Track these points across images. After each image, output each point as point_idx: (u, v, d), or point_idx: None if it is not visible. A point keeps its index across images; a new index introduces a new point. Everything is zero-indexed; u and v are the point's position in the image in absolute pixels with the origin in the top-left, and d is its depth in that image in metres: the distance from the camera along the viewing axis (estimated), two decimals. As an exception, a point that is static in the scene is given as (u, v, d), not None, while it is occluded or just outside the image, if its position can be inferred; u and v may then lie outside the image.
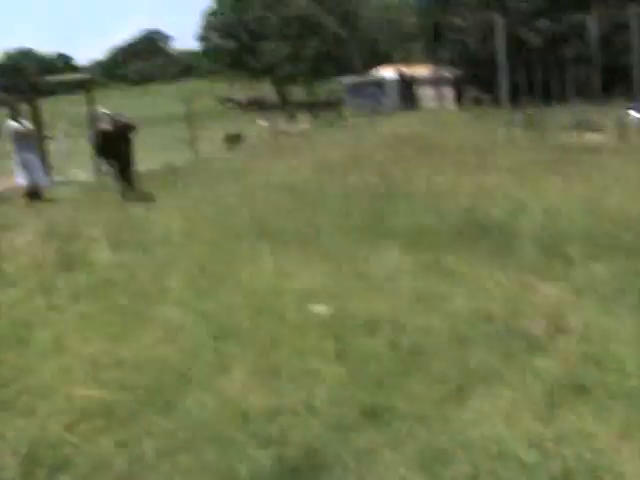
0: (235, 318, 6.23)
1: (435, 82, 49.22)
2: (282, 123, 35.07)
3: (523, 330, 5.82)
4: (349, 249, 8.65)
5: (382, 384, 4.92)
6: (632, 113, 25.70)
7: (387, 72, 53.22)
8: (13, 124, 15.21)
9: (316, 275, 7.41)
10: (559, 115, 27.20)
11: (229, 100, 71.93)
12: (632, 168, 14.98)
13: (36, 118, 18.77)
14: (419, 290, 7.03)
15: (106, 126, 14.44)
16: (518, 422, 4.29)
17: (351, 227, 9.70)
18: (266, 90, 70.21)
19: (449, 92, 47.99)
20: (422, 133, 24.19)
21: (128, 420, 4.59)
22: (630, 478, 3.74)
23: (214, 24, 77.79)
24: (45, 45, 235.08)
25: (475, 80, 45.27)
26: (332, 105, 46.02)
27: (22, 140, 15.25)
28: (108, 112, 14.84)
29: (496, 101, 37.15)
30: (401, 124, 28.48)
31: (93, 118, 18.43)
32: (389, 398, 4.71)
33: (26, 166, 15.19)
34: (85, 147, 21.75)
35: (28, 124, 16.02)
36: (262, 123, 30.89)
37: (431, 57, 50.41)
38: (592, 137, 21.91)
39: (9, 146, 15.48)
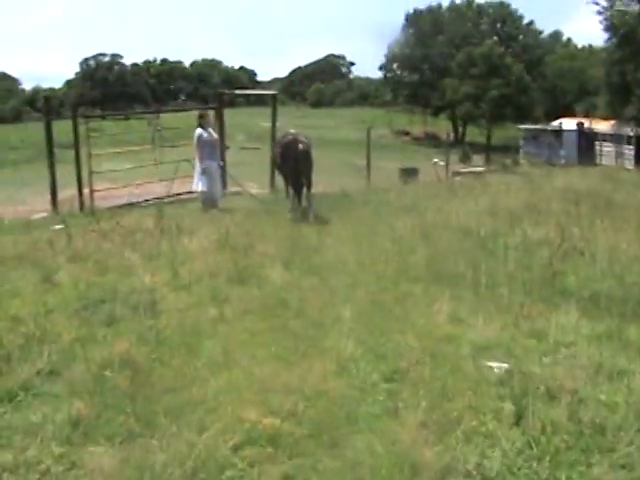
0: (408, 361, 6.03)
1: (616, 139, 47.64)
2: (456, 162, 34.78)
3: None
4: (525, 304, 8.28)
5: (561, 459, 4.60)
6: None
7: (567, 123, 51.98)
8: (201, 132, 15.64)
9: (492, 328, 7.10)
10: None
11: (405, 133, 72.17)
12: None
13: (220, 128, 19.30)
14: (599, 360, 6.60)
15: (290, 144, 14.56)
16: None
17: (528, 282, 9.31)
18: (441, 126, 69.96)
19: (629, 150, 46.26)
20: (601, 191, 23.24)
21: (294, 452, 4.48)
22: None
23: (398, 55, 78.41)
24: (230, 58, 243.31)
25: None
26: (508, 150, 45.31)
27: (206, 148, 15.66)
28: (294, 131, 15.00)
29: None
30: (578, 178, 27.50)
31: (277, 134, 18.79)
32: (568, 477, 4.39)
33: (206, 173, 15.58)
34: (260, 160, 22.24)
35: (214, 133, 16.44)
36: (438, 162, 30.65)
37: (614, 112, 48.72)
38: None
39: (194, 152, 15.92)
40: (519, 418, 5.06)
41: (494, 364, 6.10)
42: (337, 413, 5.00)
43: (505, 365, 6.07)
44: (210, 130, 16.11)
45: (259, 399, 5.13)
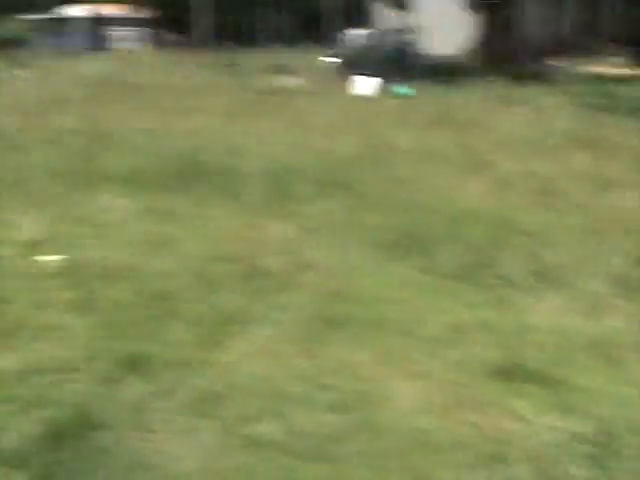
0: None
1: (129, 22, 47.92)
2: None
3: (264, 269, 5.83)
4: (65, 195, 8.16)
5: (135, 333, 4.68)
6: (328, 59, 27.02)
7: (74, 10, 50.82)
8: None
9: (37, 224, 6.86)
10: (256, 59, 27.58)
11: None
12: (329, 110, 15.58)
13: None
14: (146, 234, 6.82)
15: None
16: (281, 359, 4.29)
17: (62, 171, 9.16)
18: None
19: (144, 33, 46.88)
20: (117, 74, 23.28)
21: None
22: (398, 399, 3.88)
23: None
24: None
25: (170, 22, 44.68)
26: (18, 44, 43.01)
27: None
28: None
29: (192, 43, 36.93)
30: (93, 65, 27.21)
31: None
32: (145, 346, 4.47)
33: None
34: None
35: None
36: None
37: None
38: (290, 81, 22.18)
39: None
40: (85, 305, 5.04)
41: (47, 258, 5.97)
42: None
43: (59, 257, 5.97)
44: None
45: None
